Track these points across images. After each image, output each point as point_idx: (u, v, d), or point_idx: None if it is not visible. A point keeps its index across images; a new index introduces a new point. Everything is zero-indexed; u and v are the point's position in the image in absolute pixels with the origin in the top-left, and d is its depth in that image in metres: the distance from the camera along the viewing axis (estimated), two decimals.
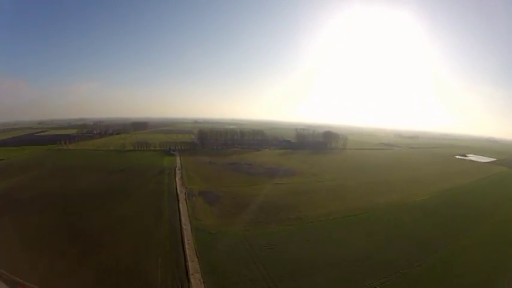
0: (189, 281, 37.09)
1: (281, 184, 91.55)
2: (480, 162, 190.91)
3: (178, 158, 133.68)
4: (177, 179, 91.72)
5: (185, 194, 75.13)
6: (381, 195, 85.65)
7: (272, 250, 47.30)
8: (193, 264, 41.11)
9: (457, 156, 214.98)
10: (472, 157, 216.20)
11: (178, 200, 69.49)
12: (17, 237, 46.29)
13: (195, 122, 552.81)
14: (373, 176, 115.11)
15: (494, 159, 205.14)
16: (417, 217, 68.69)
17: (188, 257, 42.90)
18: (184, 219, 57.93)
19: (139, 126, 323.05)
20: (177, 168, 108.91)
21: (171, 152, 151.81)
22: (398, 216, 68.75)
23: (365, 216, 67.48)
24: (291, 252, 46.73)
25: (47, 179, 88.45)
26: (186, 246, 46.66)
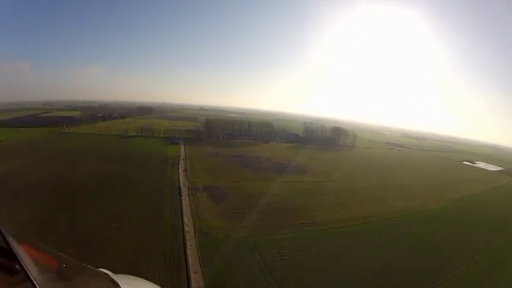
0: None
1: (291, 182, 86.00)
2: (489, 170, 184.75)
3: (182, 147, 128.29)
4: (180, 170, 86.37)
5: (188, 188, 69.73)
6: (396, 200, 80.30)
7: (285, 262, 42.03)
8: (196, 277, 35.76)
9: (466, 162, 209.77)
10: (480, 164, 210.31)
11: (180, 196, 64.15)
12: (9, 231, 40.95)
13: (201, 109, 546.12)
14: (386, 178, 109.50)
15: (501, 168, 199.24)
16: (434, 227, 63.93)
17: (191, 267, 37.53)
18: (187, 219, 52.52)
19: (144, 111, 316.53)
20: (180, 159, 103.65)
21: (175, 140, 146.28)
22: (415, 225, 64.07)
23: (381, 224, 62.23)
24: (306, 265, 41.49)
25: (45, 165, 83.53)
26: (189, 252, 41.31)
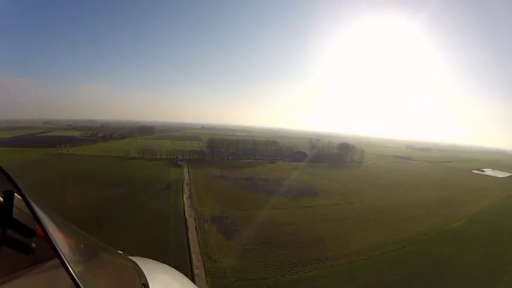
0: None
1: (305, 207, 79.46)
2: (498, 177, 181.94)
3: (186, 170, 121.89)
4: (185, 198, 79.80)
5: (195, 219, 63.03)
6: (416, 221, 74.74)
7: None
8: None
9: (474, 171, 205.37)
10: (488, 172, 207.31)
11: (187, 229, 57.43)
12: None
13: (202, 127, 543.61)
14: (400, 195, 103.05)
15: (509, 174, 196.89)
16: (461, 248, 58.76)
17: None
18: (196, 259, 45.75)
19: (146, 130, 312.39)
20: (184, 183, 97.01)
21: (178, 162, 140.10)
22: (442, 248, 58.39)
23: (407, 250, 56.37)
24: None
25: (39, 191, 77.19)
26: None
